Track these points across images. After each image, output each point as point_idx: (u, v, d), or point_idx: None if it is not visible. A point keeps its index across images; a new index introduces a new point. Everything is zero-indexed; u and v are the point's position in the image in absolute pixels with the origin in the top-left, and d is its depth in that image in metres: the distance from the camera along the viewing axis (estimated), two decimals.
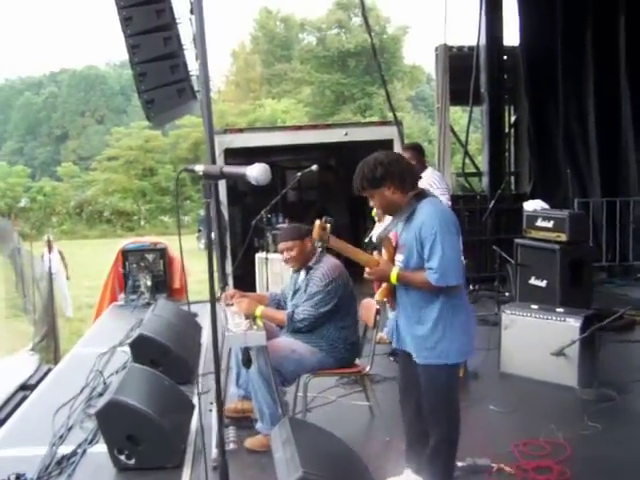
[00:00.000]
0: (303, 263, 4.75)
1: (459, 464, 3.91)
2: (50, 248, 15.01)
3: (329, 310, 4.54)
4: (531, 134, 11.09)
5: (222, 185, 9.12)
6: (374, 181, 3.51)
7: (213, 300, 3.00)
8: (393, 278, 3.51)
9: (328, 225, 3.61)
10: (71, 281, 15.87)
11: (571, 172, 9.97)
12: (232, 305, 4.62)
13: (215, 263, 3.20)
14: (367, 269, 3.60)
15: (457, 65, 11.10)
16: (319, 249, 4.05)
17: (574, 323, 5.48)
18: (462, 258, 3.55)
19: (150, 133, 41.07)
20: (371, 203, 3.73)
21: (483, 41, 11.20)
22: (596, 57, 10.20)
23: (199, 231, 27.35)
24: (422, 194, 3.56)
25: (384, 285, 3.66)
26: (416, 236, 3.45)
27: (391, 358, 6.23)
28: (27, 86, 65.87)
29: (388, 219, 5.69)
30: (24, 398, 6.29)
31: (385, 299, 3.73)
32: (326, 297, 4.51)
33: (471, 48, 11.31)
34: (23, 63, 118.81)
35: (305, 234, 4.64)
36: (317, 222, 3.61)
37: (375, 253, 3.75)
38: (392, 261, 3.60)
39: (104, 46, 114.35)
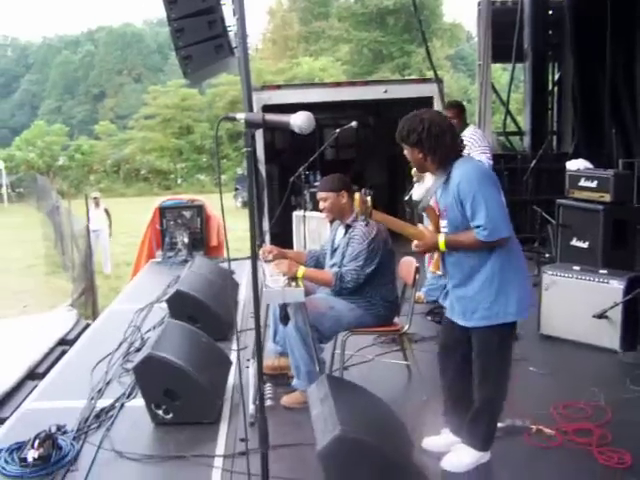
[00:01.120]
0: (337, 215, 4.73)
1: (498, 425, 3.86)
2: (97, 205, 15.22)
3: (373, 269, 4.49)
4: (575, 92, 10.82)
5: (259, 142, 9.06)
6: (407, 140, 3.48)
7: (254, 256, 2.95)
8: (441, 245, 3.45)
9: (369, 198, 3.54)
10: (110, 239, 16.05)
11: (616, 131, 9.72)
12: (270, 261, 4.57)
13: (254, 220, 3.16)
14: (414, 242, 3.54)
15: (500, 20, 10.80)
16: (363, 222, 3.99)
17: (617, 285, 5.36)
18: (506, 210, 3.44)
19: (187, 91, 41.09)
20: (405, 152, 3.65)
21: None
22: None
23: (236, 189, 27.41)
24: (456, 156, 3.48)
25: (436, 256, 3.61)
26: (455, 197, 3.37)
27: (429, 317, 6.20)
28: (65, 44, 66.19)
29: (427, 180, 5.62)
30: (63, 352, 6.40)
31: (439, 271, 3.66)
32: (370, 255, 4.45)
33: (515, 2, 11.07)
34: (61, 21, 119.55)
35: (341, 187, 4.63)
36: (357, 195, 3.54)
37: (420, 224, 3.67)
38: (437, 229, 3.53)
39: (141, 4, 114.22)
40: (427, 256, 3.61)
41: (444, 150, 3.44)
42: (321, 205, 4.73)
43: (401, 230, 3.62)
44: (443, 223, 3.51)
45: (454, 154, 3.48)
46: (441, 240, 3.44)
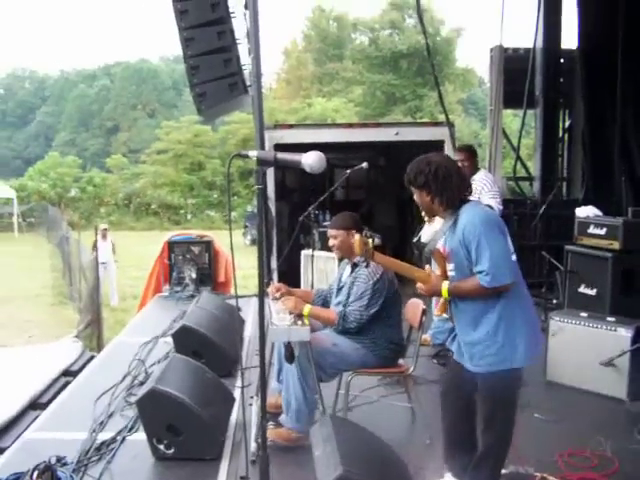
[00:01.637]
0: (345, 254, 4.73)
1: (502, 471, 3.82)
2: (104, 237, 15.27)
3: (377, 310, 4.48)
4: (585, 139, 10.87)
5: (270, 181, 9.12)
6: (414, 183, 3.52)
7: (261, 293, 2.96)
8: (444, 293, 3.47)
9: (370, 240, 3.56)
10: (118, 271, 16.08)
11: (626, 179, 9.73)
12: (277, 299, 4.58)
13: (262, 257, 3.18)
14: (419, 284, 3.55)
15: (512, 67, 10.93)
16: (362, 264, 4.02)
17: (625, 333, 5.33)
18: (513, 257, 3.44)
19: (199, 128, 41.41)
20: (414, 196, 3.66)
21: (540, 43, 11.02)
22: None
23: (245, 227, 27.46)
24: (464, 200, 3.51)
25: (442, 300, 3.61)
26: (460, 241, 3.39)
27: (435, 360, 6.16)
28: (81, 78, 67.09)
29: (438, 221, 5.64)
30: (67, 384, 6.37)
31: (445, 314, 3.66)
32: (374, 295, 4.46)
33: (527, 50, 11.15)
34: (79, 55, 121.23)
35: (352, 226, 4.64)
36: (357, 237, 3.56)
37: (427, 267, 3.67)
38: (444, 272, 3.54)
39: (158, 40, 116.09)
40: (434, 299, 3.61)
41: (451, 193, 3.46)
42: (331, 242, 4.75)
43: (404, 272, 3.63)
44: (450, 267, 3.52)
45: (461, 197, 3.50)
46: (444, 288, 3.46)
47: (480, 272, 3.32)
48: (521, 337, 3.40)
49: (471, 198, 3.59)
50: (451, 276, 3.52)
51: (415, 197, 3.61)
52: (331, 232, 4.75)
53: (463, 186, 3.52)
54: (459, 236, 3.39)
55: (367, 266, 4.27)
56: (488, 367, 3.44)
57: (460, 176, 3.54)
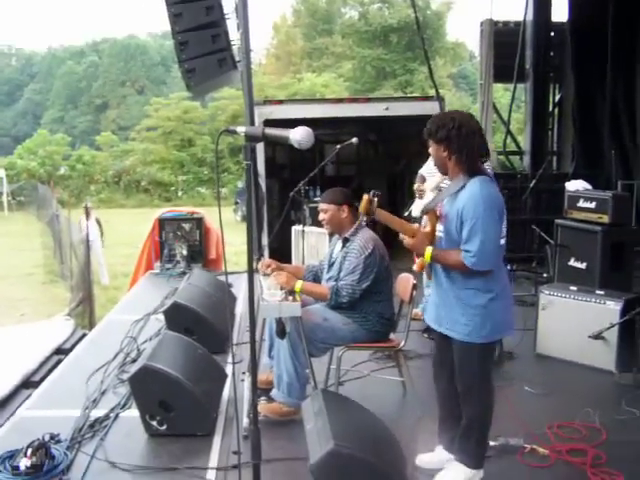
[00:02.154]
0: (336, 228, 4.75)
1: (491, 443, 3.86)
2: (88, 215, 15.16)
3: (369, 284, 4.50)
4: (575, 113, 10.89)
5: (260, 157, 9.09)
6: (434, 136, 3.45)
7: (251, 269, 2.96)
8: (427, 256, 3.46)
9: (375, 199, 3.55)
10: (108, 249, 16.03)
11: (615, 153, 9.75)
12: (268, 275, 4.59)
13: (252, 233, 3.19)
14: (404, 236, 3.53)
15: (502, 41, 10.92)
16: (363, 222, 4.02)
17: (614, 306, 5.37)
18: (503, 241, 3.45)
19: (189, 104, 41.12)
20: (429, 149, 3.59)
21: (530, 16, 10.99)
22: None
23: (236, 203, 27.40)
24: (477, 171, 3.44)
25: (422, 258, 3.60)
26: (458, 213, 3.37)
27: (425, 335, 6.19)
28: (69, 55, 66.37)
29: (427, 197, 5.64)
30: (59, 362, 6.38)
31: (423, 270, 3.66)
32: (366, 270, 4.47)
33: (517, 23, 11.14)
34: (65, 32, 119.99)
35: (342, 201, 4.65)
36: (365, 196, 3.55)
37: (416, 225, 3.68)
38: (433, 230, 3.53)
39: (146, 16, 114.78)
40: (415, 256, 3.62)
41: (471, 153, 3.40)
42: (321, 216, 4.76)
43: (400, 228, 3.59)
44: (440, 228, 3.52)
45: (477, 161, 3.45)
46: (428, 252, 3.44)
47: (467, 251, 3.33)
48: (492, 314, 3.43)
49: (486, 166, 3.56)
50: (439, 237, 3.52)
51: (431, 150, 3.55)
52: (322, 206, 4.75)
53: (483, 148, 3.47)
54: (458, 208, 3.37)
55: (356, 230, 4.28)
56: (458, 335, 3.48)
57: (482, 137, 3.48)
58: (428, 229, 3.55)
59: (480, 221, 3.30)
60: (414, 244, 3.51)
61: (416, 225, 3.67)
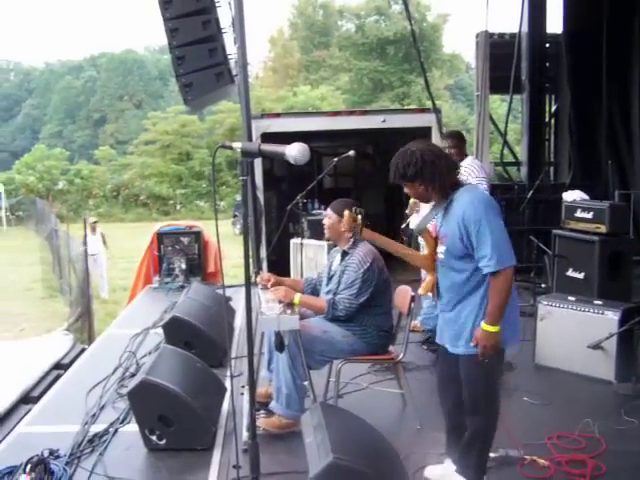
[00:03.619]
0: (334, 238, 4.79)
1: (491, 455, 3.85)
2: (94, 230, 15.24)
3: (367, 298, 4.51)
4: (572, 124, 10.92)
5: (258, 170, 9.09)
6: (405, 176, 3.46)
7: (248, 283, 2.97)
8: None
9: (359, 216, 3.55)
10: (107, 263, 16.04)
11: (612, 163, 9.78)
12: (267, 289, 4.60)
13: (250, 247, 3.21)
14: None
15: (498, 52, 10.92)
16: (351, 240, 4.04)
17: (613, 316, 5.38)
18: None
19: (186, 118, 41.22)
20: (405, 190, 3.65)
21: (525, 28, 11.05)
22: None
23: (235, 216, 27.41)
24: (458, 184, 3.49)
25: (428, 279, 3.61)
26: (459, 225, 3.36)
27: (424, 347, 6.19)
28: (67, 70, 66.50)
29: (424, 209, 5.65)
30: (58, 377, 6.37)
31: (429, 293, 3.67)
32: (364, 284, 4.48)
33: (513, 35, 11.18)
34: (64, 47, 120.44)
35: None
36: (346, 213, 3.56)
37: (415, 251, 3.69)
38: (433, 253, 3.54)
39: (143, 31, 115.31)
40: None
41: (443, 176, 3.43)
42: (324, 220, 4.82)
43: (389, 248, 3.61)
44: (441, 249, 3.52)
45: (452, 178, 3.48)
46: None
47: (483, 257, 3.30)
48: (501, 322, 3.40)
49: (461, 178, 3.59)
50: (440, 258, 3.53)
51: (407, 191, 3.57)
52: (327, 212, 4.81)
53: (452, 167, 3.51)
54: (457, 220, 3.37)
55: (355, 242, 4.29)
56: (467, 349, 3.46)
57: (447, 158, 3.53)
58: (426, 252, 3.57)
59: (485, 220, 3.30)
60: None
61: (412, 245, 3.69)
